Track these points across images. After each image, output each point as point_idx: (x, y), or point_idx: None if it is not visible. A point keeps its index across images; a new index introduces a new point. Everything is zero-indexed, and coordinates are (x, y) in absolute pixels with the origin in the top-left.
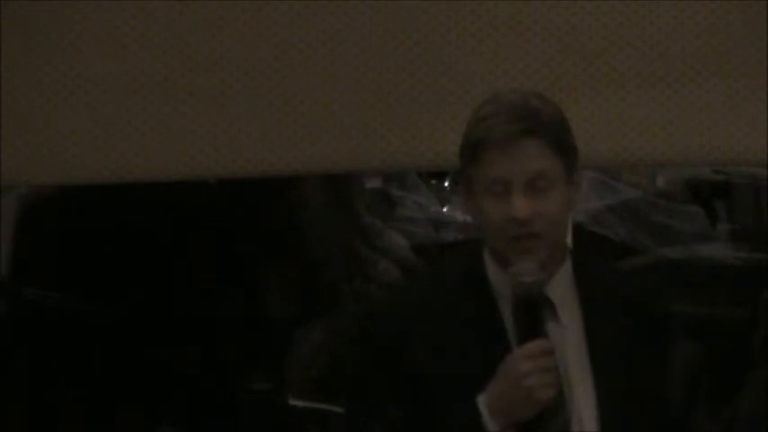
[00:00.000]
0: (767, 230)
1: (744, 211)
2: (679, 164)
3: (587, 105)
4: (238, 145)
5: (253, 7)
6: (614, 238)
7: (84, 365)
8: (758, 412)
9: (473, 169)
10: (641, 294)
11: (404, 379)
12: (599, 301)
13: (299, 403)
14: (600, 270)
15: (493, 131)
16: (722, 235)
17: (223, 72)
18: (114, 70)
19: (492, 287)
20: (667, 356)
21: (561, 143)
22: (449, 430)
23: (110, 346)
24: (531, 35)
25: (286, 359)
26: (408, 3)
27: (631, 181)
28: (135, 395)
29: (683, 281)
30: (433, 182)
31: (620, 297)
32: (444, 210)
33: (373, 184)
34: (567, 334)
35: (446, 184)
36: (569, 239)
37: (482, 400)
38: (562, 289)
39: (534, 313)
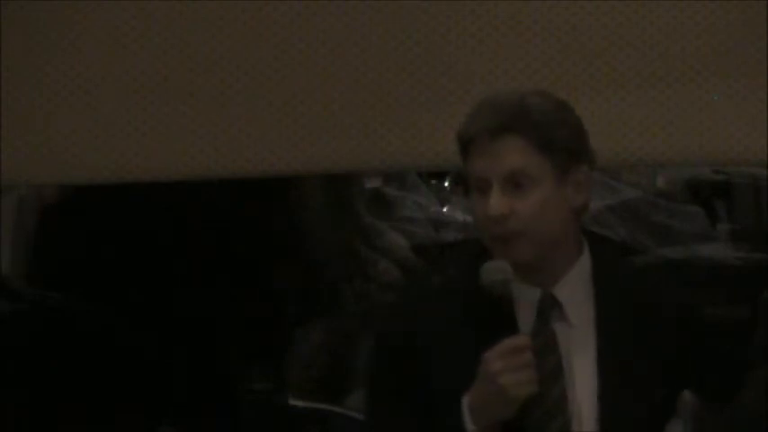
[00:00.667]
0: (767, 230)
1: (744, 211)
2: (679, 164)
3: (587, 105)
4: (238, 145)
5: (253, 7)
6: (614, 238)
7: (84, 365)
8: (758, 412)
9: (464, 165)
10: (662, 296)
11: (415, 380)
12: (615, 302)
13: (299, 403)
14: (620, 270)
15: (473, 128)
16: (722, 235)
17: (223, 72)
18: (114, 70)
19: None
20: (685, 360)
21: (550, 141)
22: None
23: (110, 346)
24: (531, 35)
25: (286, 359)
26: (408, 3)
27: (631, 181)
28: (135, 395)
29: (683, 281)
30: (433, 182)
31: (639, 298)
32: (444, 210)
33: (373, 184)
34: (576, 334)
35: (446, 184)
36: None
37: (465, 401)
38: (574, 288)
39: (507, 311)
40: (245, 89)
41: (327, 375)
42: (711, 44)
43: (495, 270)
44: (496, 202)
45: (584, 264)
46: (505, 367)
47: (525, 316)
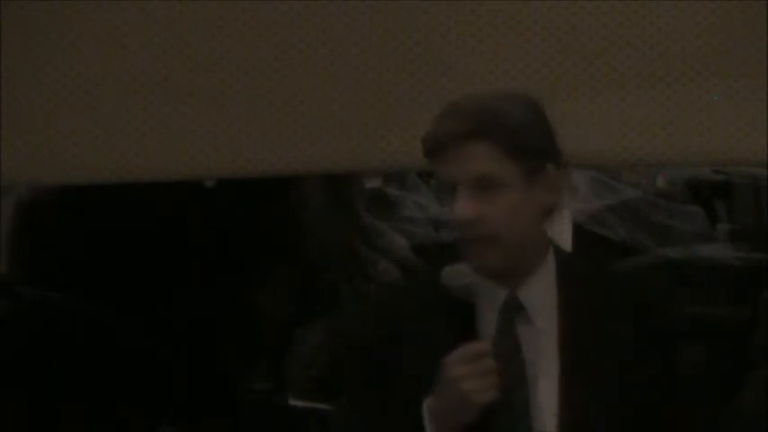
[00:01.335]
0: (767, 230)
1: (744, 211)
2: (679, 164)
3: (587, 105)
4: (238, 145)
5: (253, 7)
6: (614, 238)
7: (83, 365)
8: (758, 412)
9: (431, 167)
10: (632, 295)
11: (379, 382)
12: (578, 304)
13: (299, 403)
14: (587, 272)
15: (439, 132)
16: (722, 235)
17: (223, 72)
18: (114, 70)
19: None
20: (657, 361)
21: (520, 146)
22: None
23: (109, 346)
24: (531, 35)
25: (286, 359)
26: (408, 3)
27: (631, 181)
28: (135, 395)
29: (683, 281)
30: (433, 182)
31: (603, 300)
32: (444, 210)
33: (373, 184)
34: (541, 337)
35: None
36: (566, 241)
37: (426, 405)
38: (539, 292)
39: (468, 316)
40: (245, 89)
41: (327, 375)
42: (711, 44)
43: (457, 274)
44: (463, 206)
45: (549, 265)
46: (467, 373)
47: (489, 319)
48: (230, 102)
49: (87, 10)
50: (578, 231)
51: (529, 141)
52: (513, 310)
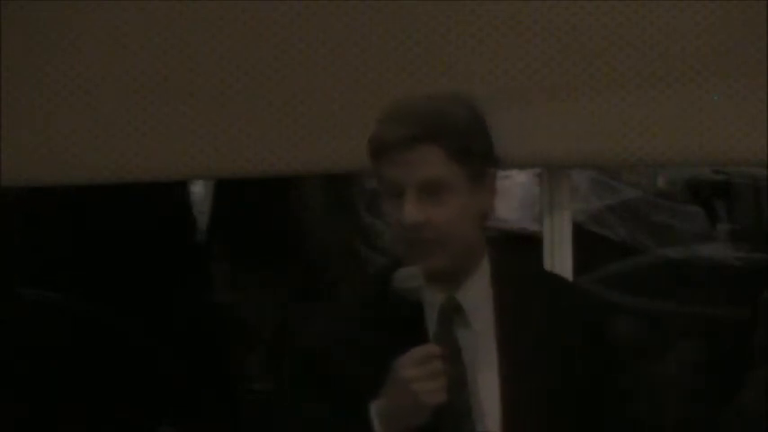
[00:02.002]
0: (767, 230)
1: (744, 211)
2: (679, 164)
3: (587, 105)
4: (238, 145)
5: (253, 7)
6: (614, 238)
7: (84, 365)
8: (758, 412)
9: (375, 169)
10: (562, 297)
11: (327, 384)
12: (513, 306)
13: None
14: (519, 272)
15: (388, 135)
16: (722, 235)
17: (223, 72)
18: (114, 70)
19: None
20: (592, 358)
21: (463, 149)
22: None
23: (110, 346)
24: (531, 35)
25: (286, 359)
26: (408, 3)
27: (631, 181)
28: (135, 395)
29: (683, 281)
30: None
31: (537, 299)
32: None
33: (373, 184)
34: (480, 339)
35: None
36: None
37: (374, 406)
38: (476, 294)
39: (417, 318)
40: (245, 89)
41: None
42: (711, 44)
43: (407, 278)
44: (412, 210)
45: (484, 267)
46: (418, 375)
47: (432, 322)
48: (230, 102)
49: (87, 10)
50: (578, 231)
51: (474, 145)
52: (452, 312)
